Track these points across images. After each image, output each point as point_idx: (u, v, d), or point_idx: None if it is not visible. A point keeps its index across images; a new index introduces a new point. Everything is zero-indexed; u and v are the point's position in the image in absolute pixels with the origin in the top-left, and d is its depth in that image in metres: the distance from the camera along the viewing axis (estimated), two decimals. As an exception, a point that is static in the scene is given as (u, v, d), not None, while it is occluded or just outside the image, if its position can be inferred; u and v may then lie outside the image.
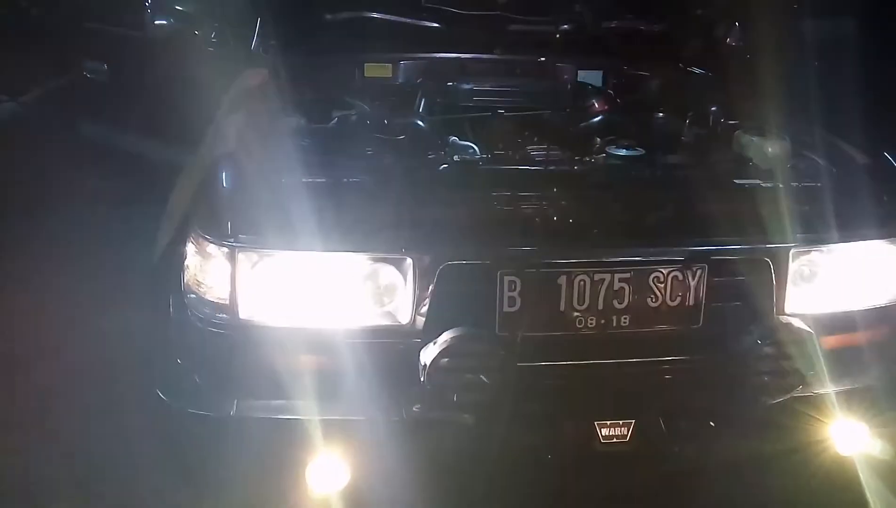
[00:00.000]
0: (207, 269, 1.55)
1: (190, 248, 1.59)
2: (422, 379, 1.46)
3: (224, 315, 1.54)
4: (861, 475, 1.63)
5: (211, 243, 1.53)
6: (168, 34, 2.88)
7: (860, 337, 1.70)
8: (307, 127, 1.97)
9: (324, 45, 2.57)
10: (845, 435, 1.63)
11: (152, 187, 3.37)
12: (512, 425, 1.51)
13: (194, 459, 1.58)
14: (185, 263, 1.61)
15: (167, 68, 3.16)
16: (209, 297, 1.56)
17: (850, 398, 1.62)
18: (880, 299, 1.70)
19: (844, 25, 4.02)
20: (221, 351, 1.56)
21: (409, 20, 2.63)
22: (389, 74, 2.61)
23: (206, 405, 1.56)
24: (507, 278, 1.51)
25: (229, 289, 1.52)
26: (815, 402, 1.61)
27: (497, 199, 1.61)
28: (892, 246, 1.71)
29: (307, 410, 1.48)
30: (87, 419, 2.17)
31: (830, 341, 1.63)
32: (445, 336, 1.46)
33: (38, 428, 2.18)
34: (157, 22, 2.84)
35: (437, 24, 2.63)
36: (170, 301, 1.69)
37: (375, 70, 2.60)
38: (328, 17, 2.61)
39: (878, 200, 1.81)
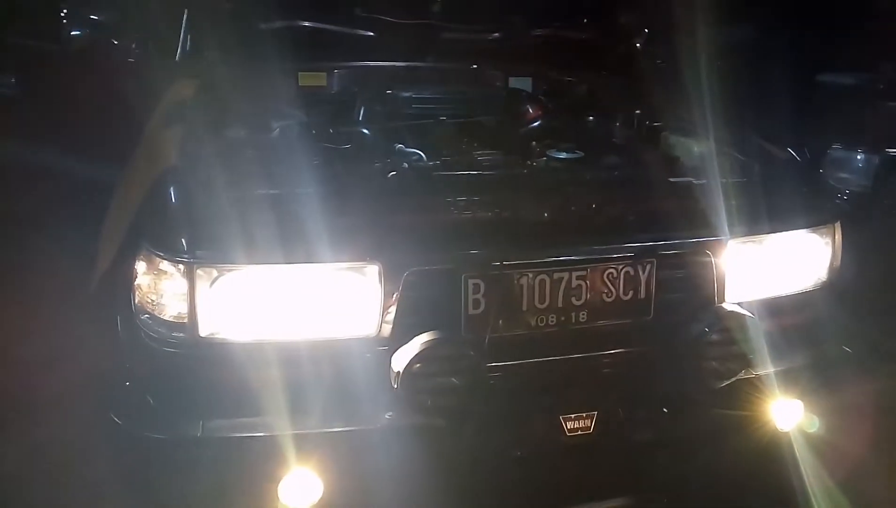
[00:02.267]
0: (162, 287, 1.50)
1: (140, 266, 1.53)
2: (394, 386, 1.47)
3: (182, 334, 1.49)
4: (797, 448, 1.75)
5: (165, 260, 1.48)
6: (85, 45, 2.75)
7: (793, 320, 1.83)
8: (252, 138, 1.94)
9: (256, 54, 2.52)
10: (784, 412, 1.74)
11: (70, 205, 3.23)
12: (483, 425, 1.54)
13: (158, 486, 1.51)
14: (136, 282, 1.54)
15: (85, 81, 3.02)
16: (165, 316, 1.50)
17: (787, 378, 1.74)
18: (808, 284, 1.84)
19: (747, 31, 4.31)
20: (181, 371, 1.51)
21: (342, 29, 2.62)
22: (324, 84, 2.59)
23: (167, 428, 1.51)
24: (471, 282, 1.54)
25: (187, 307, 1.47)
26: (756, 383, 1.72)
27: (453, 204, 1.64)
28: (815, 235, 1.85)
29: (277, 426, 1.45)
30: (38, 448, 2.05)
31: (768, 325, 1.74)
32: (416, 341, 1.47)
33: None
34: (73, 33, 2.71)
35: (370, 33, 2.64)
36: (117, 322, 1.62)
37: (310, 79, 2.58)
38: (260, 25, 2.57)
39: (800, 192, 1.95)
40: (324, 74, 2.58)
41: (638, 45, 3.21)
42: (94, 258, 1.79)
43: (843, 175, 3.15)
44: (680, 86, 2.86)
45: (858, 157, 3.14)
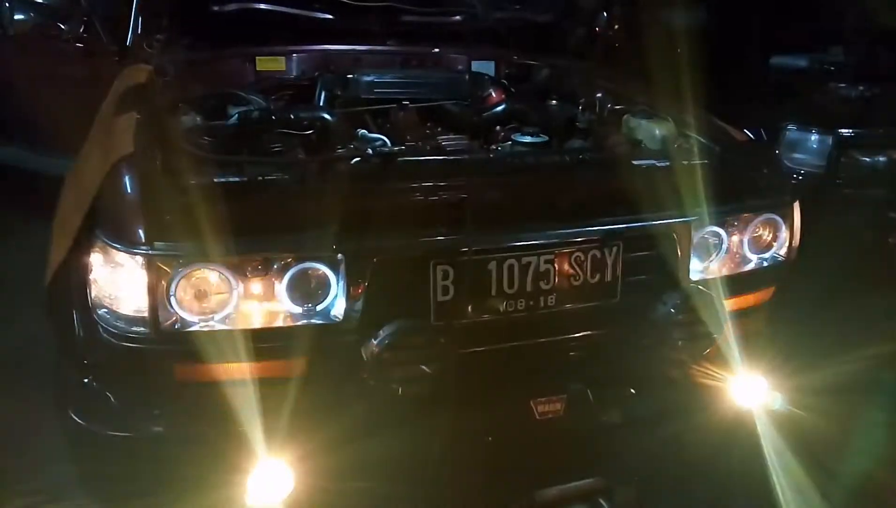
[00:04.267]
0: (119, 280, 1.44)
1: (96, 259, 1.47)
2: (364, 375, 1.45)
3: (142, 328, 1.44)
4: (762, 425, 1.79)
5: (122, 252, 1.42)
6: (29, 30, 2.64)
7: (755, 299, 1.87)
8: (208, 125, 1.88)
9: (212, 38, 2.45)
10: (748, 390, 1.78)
11: (16, 197, 3.11)
12: (454, 412, 1.53)
13: (122, 484, 1.47)
14: (91, 276, 1.48)
15: (29, 68, 2.90)
16: (123, 310, 1.45)
17: (751, 356, 1.77)
18: (769, 263, 1.87)
19: (700, 15, 4.36)
20: (142, 367, 1.46)
21: (300, 11, 2.56)
22: (283, 67, 2.54)
23: (129, 425, 1.46)
24: (439, 268, 1.53)
25: (147, 300, 1.42)
26: (722, 362, 1.74)
27: (419, 190, 1.62)
28: (775, 214, 1.88)
29: (244, 419, 1.41)
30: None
31: (732, 304, 1.77)
32: (386, 330, 1.45)
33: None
34: (16, 17, 2.59)
35: (329, 16, 2.59)
36: (73, 317, 1.56)
37: (268, 63, 2.52)
38: (214, 8, 2.49)
39: (760, 173, 1.98)
40: (282, 58, 2.53)
41: (597, 28, 3.23)
42: (47, 251, 1.71)
43: (798, 156, 3.22)
44: (638, 69, 2.89)
45: (812, 137, 3.21)
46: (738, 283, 1.83)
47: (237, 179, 1.53)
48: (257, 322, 1.48)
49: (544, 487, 1.65)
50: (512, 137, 2.05)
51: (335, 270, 1.49)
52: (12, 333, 2.67)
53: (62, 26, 2.69)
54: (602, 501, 1.69)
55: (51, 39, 2.68)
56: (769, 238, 1.88)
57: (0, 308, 2.86)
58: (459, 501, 1.58)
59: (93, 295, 1.48)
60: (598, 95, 2.36)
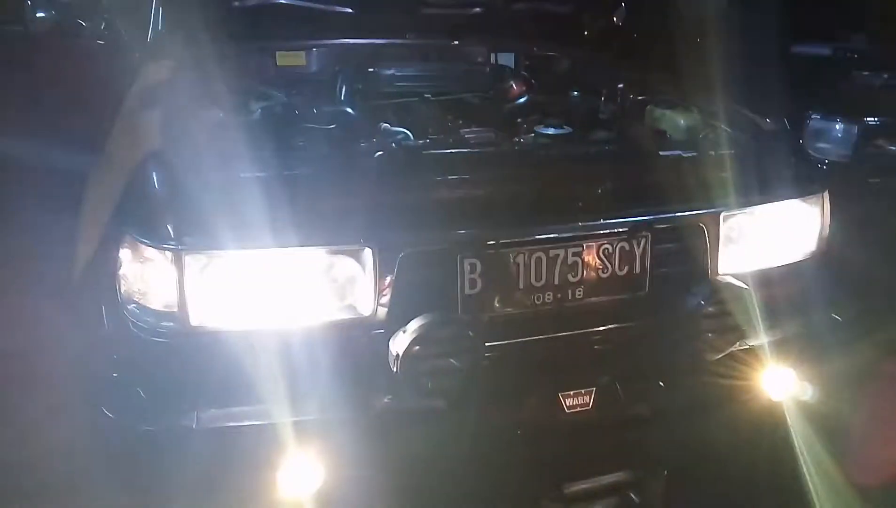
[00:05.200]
0: (149, 276, 1.45)
1: (125, 255, 1.48)
2: (394, 369, 1.44)
3: (172, 324, 1.45)
4: (791, 417, 1.77)
5: (152, 248, 1.43)
6: (51, 27, 2.65)
7: (784, 290, 1.84)
8: (233, 120, 1.88)
9: (232, 34, 2.45)
10: (778, 382, 1.76)
11: (40, 195, 3.13)
12: (483, 405, 1.52)
13: (153, 478, 1.48)
14: (121, 272, 1.49)
15: (52, 65, 2.91)
16: (153, 306, 1.45)
17: (781, 348, 1.75)
18: (799, 254, 1.85)
19: (721, 3, 4.31)
20: (172, 362, 1.46)
21: (319, 5, 2.55)
22: (303, 62, 2.53)
23: (160, 419, 1.47)
24: (467, 261, 1.52)
25: (176, 295, 1.42)
26: (751, 353, 1.72)
27: (445, 183, 1.61)
28: (805, 205, 1.85)
29: (274, 414, 1.42)
30: (29, 444, 2.00)
31: (761, 295, 1.75)
32: (414, 324, 1.44)
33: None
34: (38, 14, 2.61)
35: (349, 10, 2.58)
36: (103, 314, 1.57)
37: (289, 58, 2.51)
38: (234, 3, 2.49)
39: (788, 163, 1.96)
40: (302, 53, 2.52)
41: (616, 18, 3.19)
42: (75, 249, 1.72)
43: (823, 145, 3.18)
44: (659, 59, 2.86)
45: (837, 127, 3.17)
46: (767, 274, 1.80)
47: (263, 173, 1.53)
48: (285, 317, 1.48)
49: (573, 481, 1.64)
50: (535, 129, 2.03)
51: (363, 263, 1.48)
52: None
53: (83, 24, 2.71)
54: (632, 494, 1.67)
55: (72, 37, 2.70)
56: (798, 228, 1.86)
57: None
58: (488, 495, 1.57)
59: (122, 291, 1.49)
60: (620, 85, 2.33)
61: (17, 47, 2.98)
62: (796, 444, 1.73)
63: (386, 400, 1.49)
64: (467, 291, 1.53)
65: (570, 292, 1.60)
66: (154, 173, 1.53)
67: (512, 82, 2.44)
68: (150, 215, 1.46)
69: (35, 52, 2.90)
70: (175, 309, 1.43)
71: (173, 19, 2.49)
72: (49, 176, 2.93)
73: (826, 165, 3.15)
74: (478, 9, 2.72)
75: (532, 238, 1.56)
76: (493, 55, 2.73)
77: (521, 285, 1.56)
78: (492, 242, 1.52)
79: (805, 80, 3.76)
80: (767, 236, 1.82)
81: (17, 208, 3.10)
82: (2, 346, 2.52)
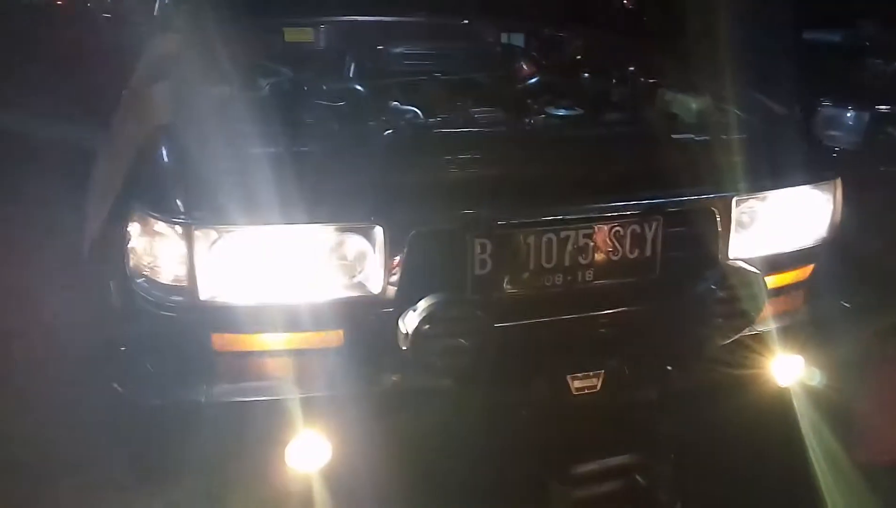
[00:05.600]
0: (158, 250, 1.44)
1: (134, 229, 1.47)
2: (403, 348, 1.44)
3: (181, 298, 1.44)
4: (797, 401, 1.77)
5: (161, 221, 1.42)
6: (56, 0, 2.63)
7: (795, 276, 1.83)
8: (242, 96, 1.87)
9: (240, 8, 2.42)
10: (786, 367, 1.76)
11: (48, 168, 3.12)
12: (491, 386, 1.52)
13: (162, 453, 1.48)
14: (129, 245, 1.48)
15: (54, 38, 2.89)
16: (162, 280, 1.45)
17: (789, 333, 1.75)
18: (810, 240, 1.84)
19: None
20: (181, 336, 1.46)
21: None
22: (311, 39, 2.50)
23: (168, 394, 1.47)
24: (477, 241, 1.51)
25: (186, 269, 1.42)
26: (760, 339, 1.72)
27: (456, 163, 1.59)
28: (817, 191, 1.84)
29: (282, 389, 1.42)
30: (38, 417, 2.02)
31: (771, 281, 1.74)
32: (424, 303, 1.43)
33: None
34: (44, -13, 2.59)
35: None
36: (111, 288, 1.56)
37: (296, 34, 2.49)
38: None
39: (801, 148, 1.94)
40: (310, 29, 2.49)
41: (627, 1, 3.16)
42: (83, 222, 1.71)
43: (833, 132, 3.15)
44: (671, 42, 2.83)
45: (848, 114, 3.14)
46: (777, 260, 1.80)
47: (275, 149, 1.51)
48: (294, 293, 1.48)
49: (581, 462, 1.64)
50: (546, 110, 2.01)
51: (372, 241, 1.47)
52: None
53: (89, -4, 2.69)
54: (638, 477, 1.67)
55: (78, 9, 2.67)
56: (811, 214, 1.84)
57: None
58: (495, 475, 1.58)
59: (131, 265, 1.48)
60: (631, 68, 2.31)
61: (21, 20, 2.96)
62: (804, 429, 1.73)
63: (395, 378, 1.49)
64: (477, 271, 1.52)
65: (580, 274, 1.59)
66: (164, 148, 1.52)
67: (522, 62, 2.41)
68: (159, 189, 1.45)
69: (39, 24, 2.87)
70: (184, 283, 1.42)
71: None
72: (55, 149, 2.92)
73: (836, 152, 3.13)
74: (489, -13, 2.70)
75: (543, 219, 1.55)
76: (503, 35, 2.71)
77: (531, 267, 1.55)
78: (502, 222, 1.51)
79: (816, 66, 3.73)
80: (779, 221, 1.80)
81: (24, 180, 3.09)
82: (10, 320, 2.53)
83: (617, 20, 3.04)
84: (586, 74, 2.37)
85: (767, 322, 1.72)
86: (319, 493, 1.43)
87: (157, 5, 2.54)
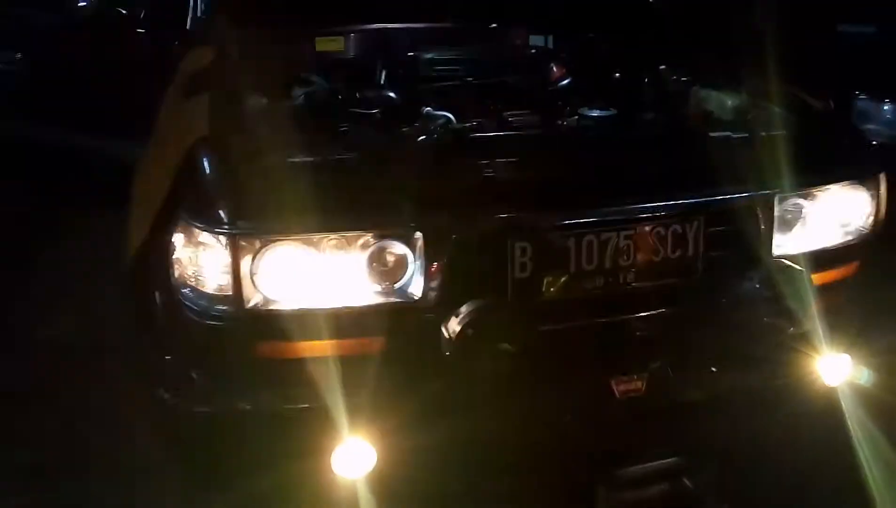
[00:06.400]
0: (204, 260, 1.46)
1: (179, 239, 1.49)
2: (446, 353, 1.44)
3: (226, 307, 1.46)
4: (845, 402, 1.73)
5: (206, 232, 1.44)
6: (92, 16, 2.69)
7: (840, 273, 1.80)
8: (278, 106, 1.89)
9: (272, 19, 2.45)
10: (832, 367, 1.72)
11: (84, 183, 3.19)
12: (533, 390, 1.51)
13: (208, 460, 1.50)
14: (174, 256, 1.50)
15: (93, 53, 2.95)
16: (207, 289, 1.47)
17: (836, 332, 1.71)
18: (855, 237, 1.80)
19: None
20: (227, 345, 1.48)
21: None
22: (342, 48, 2.52)
23: (215, 402, 1.48)
24: (517, 245, 1.50)
25: (231, 278, 1.43)
26: (806, 338, 1.68)
27: (493, 166, 1.59)
28: (861, 186, 1.80)
29: (327, 397, 1.42)
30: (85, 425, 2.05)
31: (814, 279, 1.71)
32: (466, 308, 1.43)
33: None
34: (79, 3, 2.64)
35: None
36: (156, 298, 1.59)
37: (328, 44, 2.51)
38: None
39: (842, 144, 1.91)
40: (341, 38, 2.51)
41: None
42: (127, 233, 1.74)
43: (869, 126, 3.09)
44: (703, 38, 2.80)
45: (886, 108, 3.08)
46: (821, 257, 1.76)
47: (314, 158, 1.53)
48: (337, 300, 1.48)
49: (627, 466, 1.63)
50: (580, 111, 2.00)
51: (413, 247, 1.48)
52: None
53: (123, 11, 2.74)
54: (685, 480, 1.65)
55: (113, 24, 2.72)
56: (854, 211, 1.81)
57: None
58: (541, 479, 1.57)
59: (176, 275, 1.50)
60: (662, 66, 2.29)
61: (56, 36, 3.02)
62: (853, 430, 1.69)
63: (438, 384, 1.48)
64: (518, 274, 1.52)
65: (621, 276, 1.58)
66: (206, 159, 1.54)
67: (553, 64, 2.40)
68: (204, 200, 1.47)
69: (77, 39, 2.93)
70: (229, 292, 1.44)
71: (213, 5, 2.50)
72: (94, 162, 2.98)
73: (873, 146, 3.06)
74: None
75: (583, 221, 1.54)
76: (532, 38, 2.70)
77: (572, 269, 1.54)
78: (543, 225, 1.51)
79: (851, 59, 3.66)
80: (823, 218, 1.77)
81: (69, 192, 3.16)
82: (58, 328, 2.58)
83: (647, 18, 3.00)
84: (619, 75, 2.37)
85: (813, 321, 1.68)
86: (365, 500, 1.43)
87: (189, 19, 2.58)
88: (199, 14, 2.56)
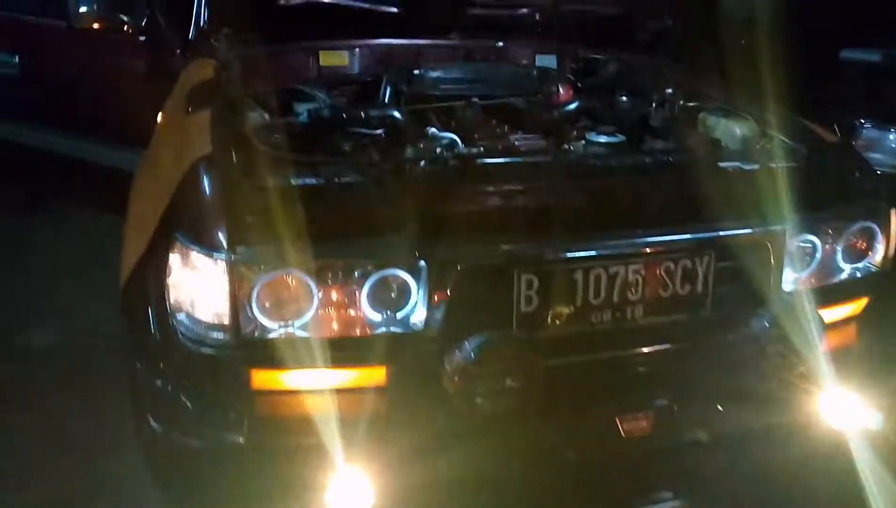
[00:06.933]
0: (200, 285, 1.41)
1: (175, 262, 1.44)
2: (449, 386, 1.39)
3: (221, 334, 1.41)
4: (855, 444, 1.69)
5: (203, 256, 1.39)
6: (93, 22, 2.64)
7: (848, 311, 1.77)
8: (281, 125, 1.85)
9: (275, 32, 2.42)
10: (843, 408, 1.68)
11: (79, 191, 3.14)
12: (537, 427, 1.47)
13: (198, 493, 1.44)
14: (170, 279, 1.46)
15: (92, 60, 2.90)
16: (202, 315, 1.42)
17: (847, 372, 1.68)
18: (866, 273, 1.77)
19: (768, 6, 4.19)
20: (219, 373, 1.43)
21: (364, 5, 2.51)
22: (346, 62, 2.49)
23: (207, 434, 1.43)
24: (524, 277, 1.46)
25: (228, 305, 1.39)
26: (815, 378, 1.65)
27: (498, 194, 1.56)
28: (871, 222, 1.77)
29: (324, 430, 1.37)
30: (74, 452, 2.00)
31: (824, 315, 1.67)
32: (469, 341, 1.39)
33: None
34: (81, 9, 2.59)
35: (393, 9, 2.53)
36: (150, 321, 1.53)
37: (332, 58, 2.48)
38: (279, 1, 2.45)
39: (853, 177, 1.88)
40: (346, 52, 2.48)
41: (668, 22, 3.10)
42: (122, 252, 1.69)
43: (875, 155, 3.06)
44: (709, 64, 2.77)
45: (892, 136, 3.05)
46: (831, 294, 1.73)
47: (316, 182, 1.49)
48: (337, 330, 1.44)
49: (629, 506, 1.58)
50: (586, 136, 1.97)
51: (416, 277, 1.44)
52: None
53: (125, 18, 2.69)
54: (690, 522, 1.61)
55: (114, 32, 2.68)
56: (864, 246, 1.78)
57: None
58: (542, 519, 1.52)
59: (171, 299, 1.45)
60: (669, 90, 2.26)
61: (56, 41, 2.97)
62: (861, 472, 1.65)
63: (439, 418, 1.44)
64: (524, 308, 1.47)
65: (629, 311, 1.54)
66: (206, 179, 1.49)
67: (559, 86, 2.37)
68: (202, 223, 1.42)
69: (77, 46, 2.88)
70: (225, 319, 1.39)
71: (216, 16, 2.46)
72: (89, 172, 2.93)
73: (880, 176, 3.03)
74: (524, 10, 2.67)
75: (591, 255, 1.50)
76: (537, 57, 2.67)
77: (578, 303, 1.51)
78: (549, 257, 1.47)
79: (855, 86, 3.64)
80: (833, 254, 1.74)
81: (62, 205, 3.11)
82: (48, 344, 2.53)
83: (654, 42, 2.98)
84: (626, 99, 2.33)
85: (822, 359, 1.65)
86: (363, 538, 1.38)
87: (192, 29, 2.54)
88: (201, 24, 2.51)
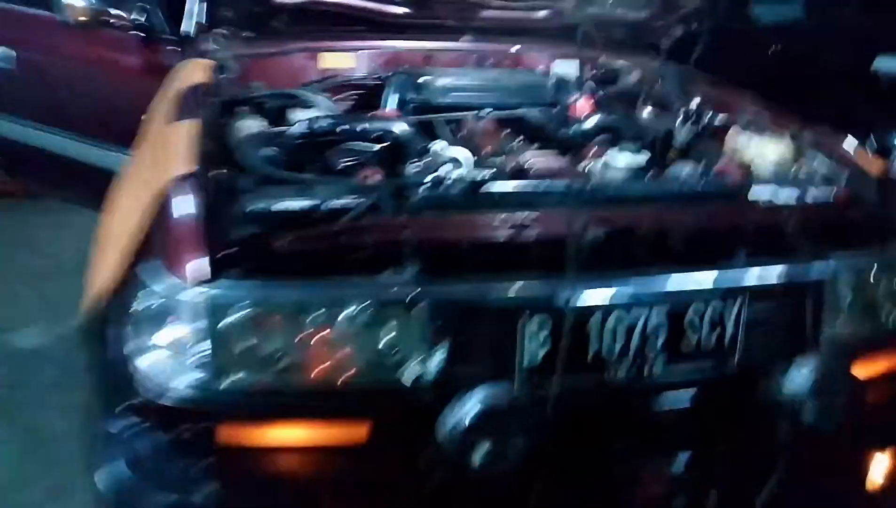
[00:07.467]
0: (169, 321, 1.25)
1: (143, 293, 1.28)
2: (442, 443, 1.23)
3: (189, 378, 1.24)
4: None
5: (176, 289, 1.23)
6: (86, 17, 2.50)
7: (892, 362, 1.59)
8: (272, 134, 1.70)
9: (275, 32, 2.27)
10: (879, 467, 1.51)
11: (66, 188, 3.01)
12: (541, 495, 1.30)
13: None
14: (134, 309, 1.29)
15: (83, 56, 2.76)
16: (170, 357, 1.26)
17: (884, 428, 1.51)
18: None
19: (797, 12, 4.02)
20: (187, 428, 1.25)
21: (368, 4, 2.35)
22: (349, 65, 2.33)
23: (162, 493, 1.27)
24: (529, 324, 1.29)
25: (197, 346, 1.22)
26: (857, 433, 1.48)
27: (505, 227, 1.37)
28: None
29: (301, 491, 1.22)
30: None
31: (868, 366, 1.50)
32: (468, 397, 1.23)
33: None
34: (68, 2, 2.46)
35: (399, 9, 2.37)
36: (109, 356, 1.36)
37: (334, 60, 2.32)
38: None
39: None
40: (348, 55, 2.32)
41: (692, 28, 2.91)
42: (90, 272, 1.53)
43: (912, 172, 2.86)
44: (735, 73, 2.58)
45: (932, 155, 2.86)
46: (875, 342, 1.55)
47: (301, 209, 1.32)
48: (315, 378, 1.27)
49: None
50: (606, 157, 1.79)
51: (409, 319, 1.27)
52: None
53: (118, 12, 2.56)
54: None
55: (106, 26, 2.54)
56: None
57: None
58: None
59: (133, 335, 1.29)
60: (695, 101, 2.08)
61: (50, 35, 2.83)
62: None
63: (430, 483, 1.27)
64: (528, 360, 1.31)
65: (647, 364, 1.37)
66: (184, 201, 1.32)
67: (577, 95, 2.20)
68: (178, 248, 1.25)
69: (68, 40, 2.74)
70: (196, 362, 1.23)
71: (213, 13, 2.30)
72: (77, 173, 2.81)
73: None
74: (541, 13, 2.49)
75: (607, 302, 1.33)
76: (554, 63, 2.49)
77: (591, 355, 1.33)
78: (559, 303, 1.29)
79: (890, 96, 3.44)
80: (876, 299, 1.56)
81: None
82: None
83: (679, 49, 2.80)
84: (651, 112, 2.16)
85: (870, 423, 1.47)
86: None
87: (188, 26, 2.38)
88: (197, 22, 2.35)
